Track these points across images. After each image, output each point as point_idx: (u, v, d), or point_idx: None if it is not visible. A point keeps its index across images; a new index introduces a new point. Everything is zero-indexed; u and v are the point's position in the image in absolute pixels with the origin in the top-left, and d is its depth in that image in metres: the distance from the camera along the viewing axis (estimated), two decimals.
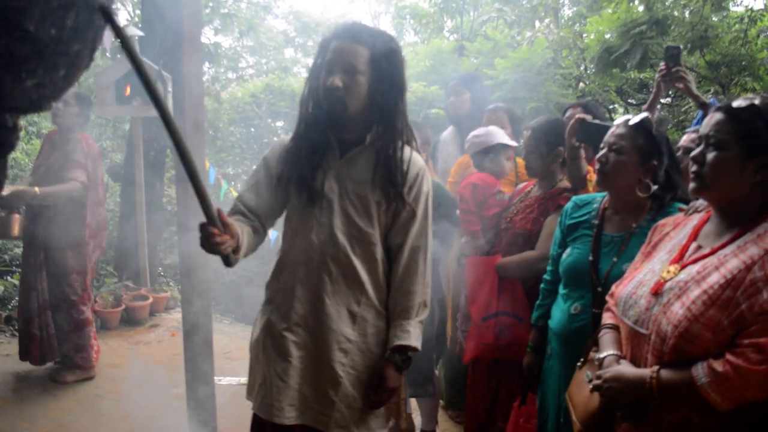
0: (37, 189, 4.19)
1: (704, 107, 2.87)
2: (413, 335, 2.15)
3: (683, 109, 7.39)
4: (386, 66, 2.10)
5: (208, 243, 1.79)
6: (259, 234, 2.17)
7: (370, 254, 2.16)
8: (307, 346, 2.14)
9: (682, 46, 3.14)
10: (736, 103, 1.63)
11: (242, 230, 1.97)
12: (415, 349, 2.16)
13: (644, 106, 3.17)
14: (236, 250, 1.92)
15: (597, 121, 2.70)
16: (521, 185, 3.20)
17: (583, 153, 2.76)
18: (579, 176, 2.75)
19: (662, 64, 2.97)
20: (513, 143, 3.32)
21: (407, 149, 2.18)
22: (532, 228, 2.88)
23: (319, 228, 2.12)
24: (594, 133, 2.60)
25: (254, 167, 2.27)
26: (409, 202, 2.15)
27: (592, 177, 2.73)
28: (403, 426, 2.32)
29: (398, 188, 2.12)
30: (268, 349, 2.17)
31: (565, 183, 2.90)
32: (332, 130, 2.15)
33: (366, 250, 2.15)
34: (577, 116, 2.69)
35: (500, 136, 3.27)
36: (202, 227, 1.77)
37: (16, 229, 4.25)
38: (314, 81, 2.15)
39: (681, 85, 2.91)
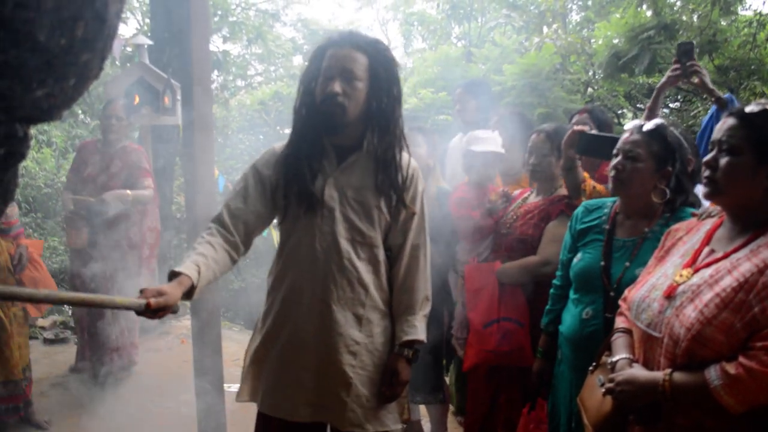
0: (129, 192, 4.47)
1: (720, 102, 2.86)
2: (420, 329, 2.22)
3: (692, 114, 7.37)
4: (383, 73, 2.15)
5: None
6: (238, 250, 2.16)
7: (374, 257, 2.21)
8: (316, 352, 2.17)
9: (694, 42, 3.12)
10: (749, 109, 1.63)
11: (205, 266, 1.98)
12: (421, 342, 2.22)
13: (648, 104, 3.15)
14: (190, 293, 1.93)
15: (594, 132, 2.68)
16: (518, 191, 3.18)
17: (578, 162, 2.74)
18: (575, 185, 2.73)
19: (674, 62, 2.96)
20: (487, 149, 3.22)
21: (404, 153, 2.25)
22: (533, 234, 2.87)
23: (322, 236, 2.15)
24: (593, 145, 2.58)
25: (242, 174, 2.28)
26: (408, 204, 2.22)
27: (588, 185, 2.71)
28: (405, 417, 2.35)
29: (399, 192, 2.20)
30: (275, 357, 2.21)
31: (564, 190, 2.89)
32: (328, 136, 2.19)
33: (369, 253, 2.20)
34: (574, 128, 2.66)
35: (482, 142, 3.22)
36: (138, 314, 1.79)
37: (85, 239, 4.49)
38: (309, 87, 2.18)
39: (697, 80, 2.90)
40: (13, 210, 3.91)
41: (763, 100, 1.65)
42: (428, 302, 2.30)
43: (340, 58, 2.11)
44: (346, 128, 2.15)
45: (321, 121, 2.15)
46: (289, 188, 2.18)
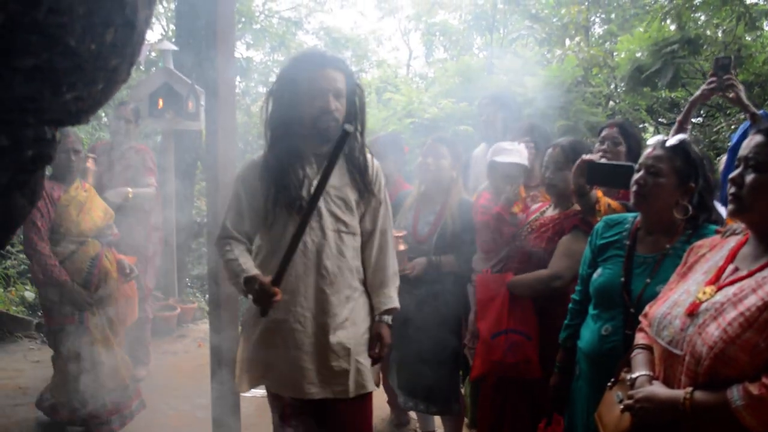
0: (130, 189, 4.62)
1: (754, 118, 2.84)
2: (394, 299, 2.67)
3: (715, 129, 7.31)
4: (353, 88, 2.54)
5: (268, 302, 2.30)
6: (251, 253, 2.58)
7: (355, 243, 2.61)
8: (315, 334, 2.50)
9: (732, 57, 3.12)
10: None
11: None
12: (397, 310, 2.67)
13: (679, 117, 3.13)
14: None
15: (604, 161, 2.66)
16: (536, 205, 3.16)
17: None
18: (589, 207, 2.71)
19: (710, 75, 2.95)
20: (523, 162, 3.21)
21: (367, 154, 2.64)
22: (546, 247, 2.86)
23: (312, 231, 2.48)
24: (603, 175, 2.56)
25: (233, 191, 2.61)
26: (376, 194, 2.64)
27: (602, 205, 2.69)
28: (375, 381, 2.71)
29: (369, 186, 2.60)
30: (278, 343, 2.50)
31: None
32: (311, 145, 2.52)
33: (351, 240, 2.59)
34: (583, 157, 2.64)
35: (505, 153, 3.20)
36: (268, 290, 2.28)
37: None
38: (294, 103, 2.47)
39: (732, 94, 2.89)
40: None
41: None
42: (397, 276, 2.73)
43: (330, 78, 2.45)
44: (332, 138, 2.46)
45: (316, 134, 2.48)
46: (281, 195, 2.48)
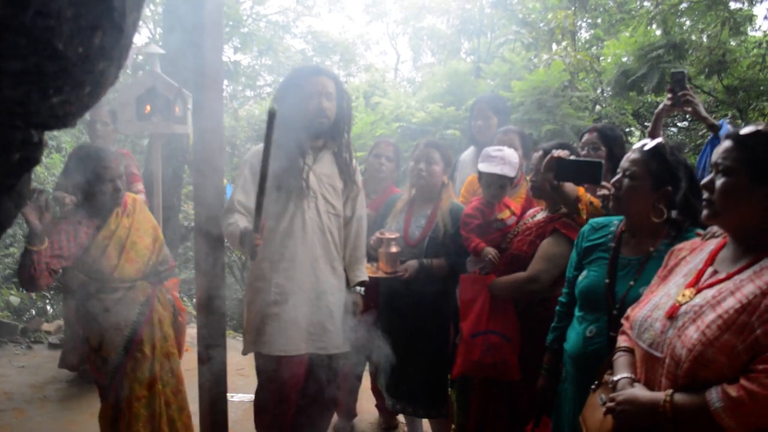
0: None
1: (714, 129, 2.87)
2: (365, 273, 3.27)
3: (701, 133, 7.37)
4: (342, 94, 3.10)
5: (252, 250, 2.73)
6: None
7: (339, 223, 3.16)
8: (309, 298, 3.00)
9: (686, 71, 3.14)
10: (743, 131, 1.66)
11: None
12: (366, 282, 3.25)
13: (648, 130, 3.16)
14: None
15: (573, 158, 2.68)
16: (531, 210, 3.17)
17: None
18: (568, 201, 2.73)
19: (668, 90, 2.98)
20: (504, 173, 3.13)
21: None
22: (527, 250, 2.88)
23: (310, 211, 3.03)
24: (572, 171, 2.59)
25: (238, 172, 3.12)
26: (357, 183, 3.22)
27: (584, 202, 2.70)
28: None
29: (352, 177, 3.19)
30: (279, 304, 2.96)
31: None
32: (310, 139, 3.06)
33: (337, 221, 3.14)
34: (552, 154, 2.67)
35: (490, 161, 3.16)
36: (248, 236, 2.71)
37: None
38: (294, 103, 2.94)
39: (689, 109, 2.91)
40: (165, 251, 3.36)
41: (759, 122, 1.67)
42: (365, 255, 3.29)
43: (323, 83, 3.02)
44: (325, 134, 3.08)
45: (312, 129, 3.03)
46: (286, 179, 2.96)
